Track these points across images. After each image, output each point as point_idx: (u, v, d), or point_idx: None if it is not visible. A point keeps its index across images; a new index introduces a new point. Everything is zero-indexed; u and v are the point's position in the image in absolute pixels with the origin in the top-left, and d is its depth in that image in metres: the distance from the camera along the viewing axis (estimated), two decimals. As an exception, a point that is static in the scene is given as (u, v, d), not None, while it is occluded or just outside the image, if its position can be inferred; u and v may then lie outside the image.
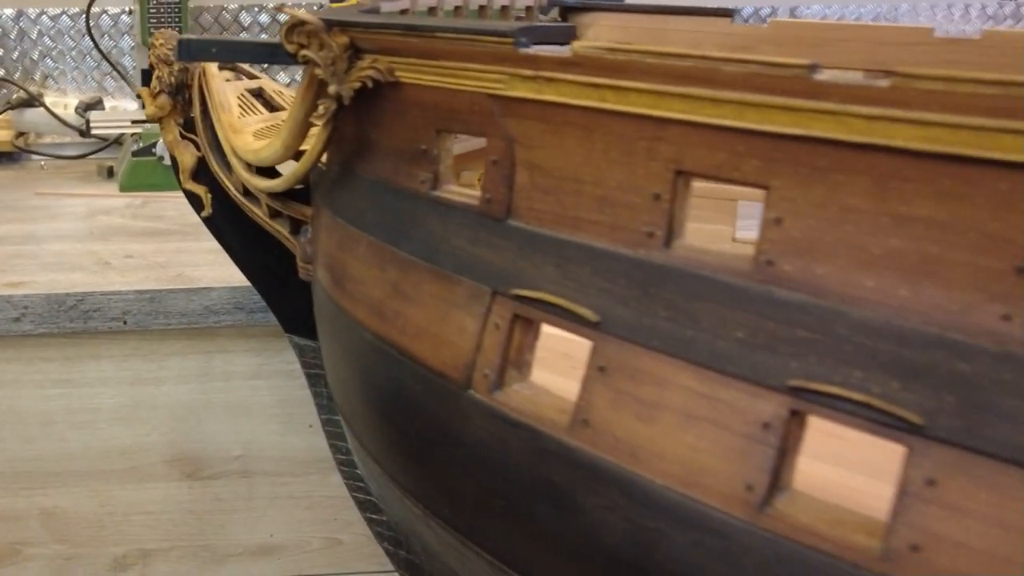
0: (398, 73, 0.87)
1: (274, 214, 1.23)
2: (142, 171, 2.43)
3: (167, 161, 1.70)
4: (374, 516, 1.36)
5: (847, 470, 0.79)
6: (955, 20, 3.09)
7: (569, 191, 0.75)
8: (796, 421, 0.63)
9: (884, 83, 0.59)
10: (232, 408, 1.83)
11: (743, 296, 0.65)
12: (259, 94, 1.40)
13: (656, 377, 0.68)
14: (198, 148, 1.33)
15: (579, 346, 0.75)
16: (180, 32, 1.60)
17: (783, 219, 0.64)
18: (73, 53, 2.91)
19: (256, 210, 1.25)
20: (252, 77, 1.41)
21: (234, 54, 1.15)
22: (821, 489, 0.65)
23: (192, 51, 1.11)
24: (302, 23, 0.92)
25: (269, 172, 1.18)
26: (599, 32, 1.16)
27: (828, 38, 1.05)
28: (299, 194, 1.18)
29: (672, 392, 0.67)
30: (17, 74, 2.90)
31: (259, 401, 1.83)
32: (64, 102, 2.86)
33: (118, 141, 2.76)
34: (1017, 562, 0.55)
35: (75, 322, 1.71)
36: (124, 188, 2.44)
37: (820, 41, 1.05)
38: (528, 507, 0.76)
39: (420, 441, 0.87)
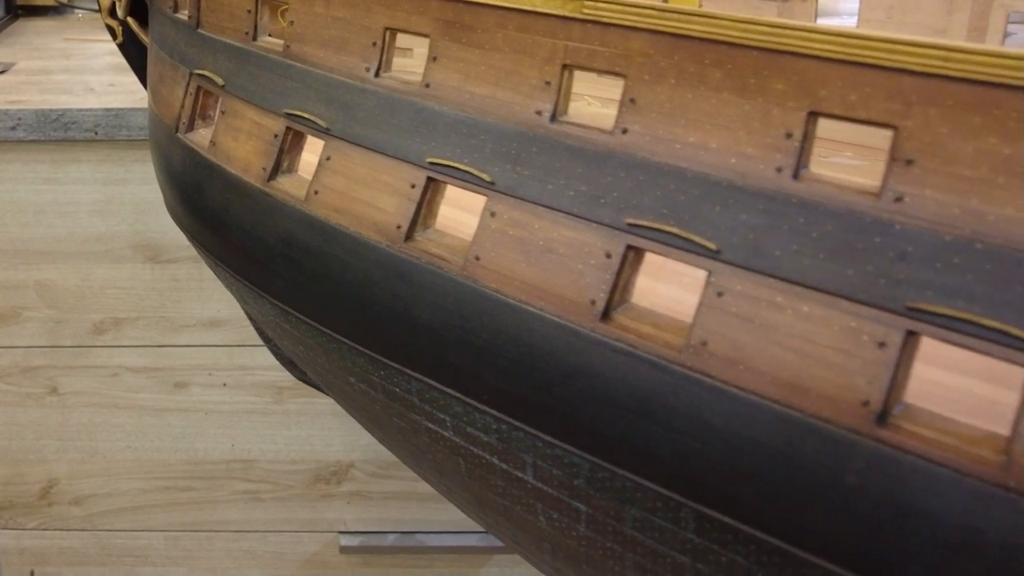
0: None
1: (153, 39, 1.82)
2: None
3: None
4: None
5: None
6: None
7: (219, 11, 1.32)
8: (290, 134, 1.20)
9: None
10: (184, 207, 2.44)
11: (274, 65, 1.22)
12: None
13: (241, 114, 1.26)
14: (112, -9, 1.93)
15: None
16: None
17: (294, 21, 1.20)
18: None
19: (144, 36, 1.84)
20: None
21: None
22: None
23: None
24: None
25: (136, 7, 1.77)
26: None
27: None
28: (160, 23, 1.77)
29: (245, 121, 1.25)
30: (64, -64, 3.53)
31: (206, 202, 2.43)
32: (103, -39, 3.48)
33: (144, -4, 3.38)
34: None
35: (57, 132, 2.32)
36: (135, 35, 3.06)
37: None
38: (190, 201, 1.34)
39: (166, 175, 1.46)
